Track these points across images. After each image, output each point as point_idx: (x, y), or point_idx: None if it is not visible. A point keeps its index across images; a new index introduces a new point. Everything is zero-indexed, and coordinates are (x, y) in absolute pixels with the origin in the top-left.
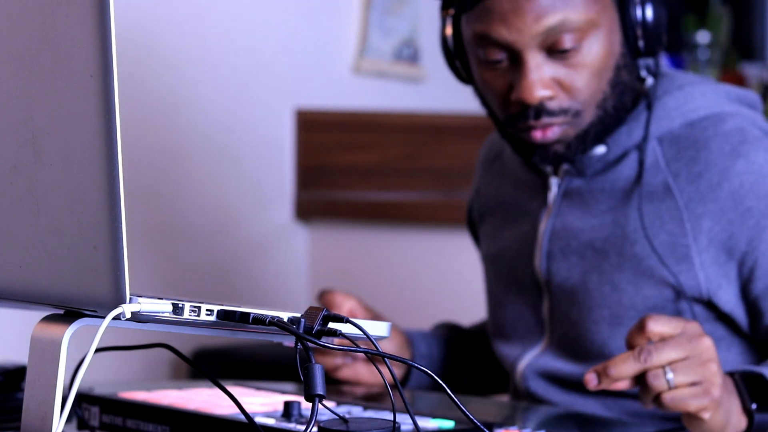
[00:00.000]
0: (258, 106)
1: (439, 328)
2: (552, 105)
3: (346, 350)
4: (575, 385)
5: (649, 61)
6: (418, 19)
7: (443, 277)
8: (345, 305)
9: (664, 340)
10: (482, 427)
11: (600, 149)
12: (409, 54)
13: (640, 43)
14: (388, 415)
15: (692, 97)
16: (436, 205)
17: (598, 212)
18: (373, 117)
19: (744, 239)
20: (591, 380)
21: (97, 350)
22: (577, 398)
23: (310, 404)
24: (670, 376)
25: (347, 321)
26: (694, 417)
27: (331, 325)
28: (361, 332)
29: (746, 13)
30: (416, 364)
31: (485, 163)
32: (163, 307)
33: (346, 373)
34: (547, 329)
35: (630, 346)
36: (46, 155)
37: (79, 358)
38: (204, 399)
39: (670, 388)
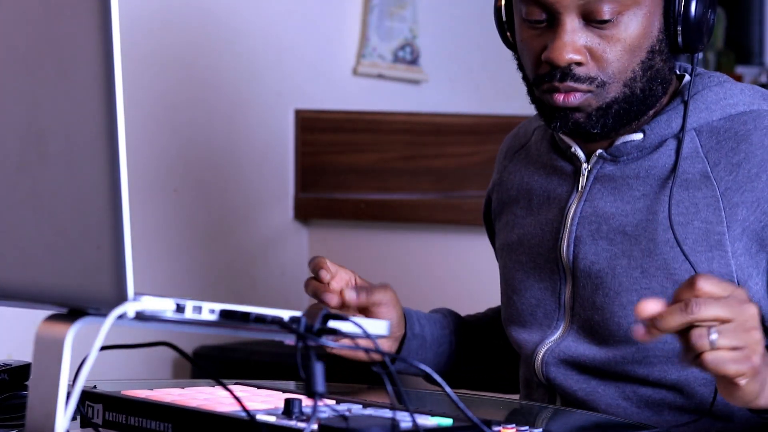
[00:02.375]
0: (259, 108)
1: (436, 311)
2: (579, 71)
3: (345, 349)
4: (596, 371)
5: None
6: (417, 21)
7: (443, 276)
8: (342, 274)
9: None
10: (481, 424)
11: (637, 136)
12: (408, 56)
13: (679, 38)
14: (387, 413)
15: (731, 93)
16: (436, 206)
17: (631, 198)
18: (372, 118)
19: None
20: (639, 330)
21: (101, 348)
22: (596, 386)
23: (310, 402)
24: (713, 336)
25: (347, 319)
26: (730, 382)
27: (332, 323)
28: (361, 331)
29: (741, 17)
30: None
31: (508, 154)
32: (166, 306)
33: (343, 349)
34: (568, 314)
35: (677, 301)
36: (50, 155)
37: (82, 357)
38: (206, 397)
39: (712, 349)
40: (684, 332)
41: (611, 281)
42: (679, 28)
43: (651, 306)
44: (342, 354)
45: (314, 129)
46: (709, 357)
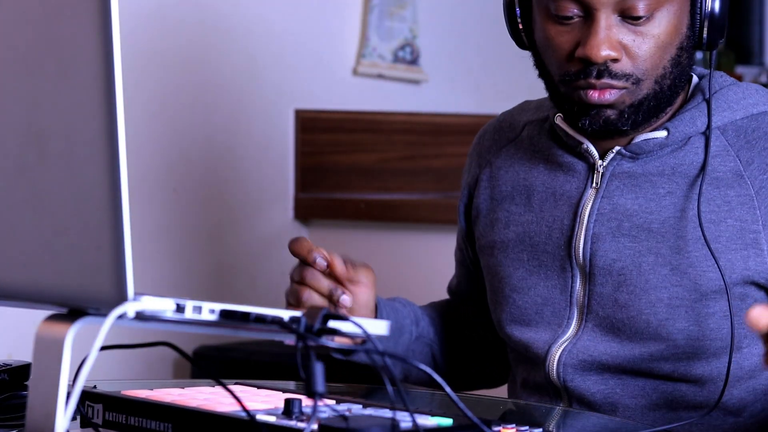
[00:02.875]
0: (259, 108)
1: (394, 301)
2: (616, 67)
3: (346, 348)
4: (617, 370)
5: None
6: (417, 21)
7: (443, 277)
8: (321, 252)
9: None
10: (481, 425)
11: (660, 133)
12: (408, 56)
13: (705, 34)
14: (387, 413)
15: (750, 92)
16: (436, 206)
17: (655, 195)
18: (372, 118)
19: None
20: (756, 317)
21: (101, 348)
22: (615, 386)
23: (310, 402)
24: None
25: (348, 319)
26: None
27: (332, 323)
28: (361, 330)
29: (741, 17)
30: (417, 363)
31: (492, 149)
32: (166, 306)
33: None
34: (579, 312)
35: None
36: (50, 156)
37: (82, 357)
38: (206, 397)
39: None
40: None
41: (637, 278)
42: (705, 25)
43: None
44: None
45: (314, 129)
46: None
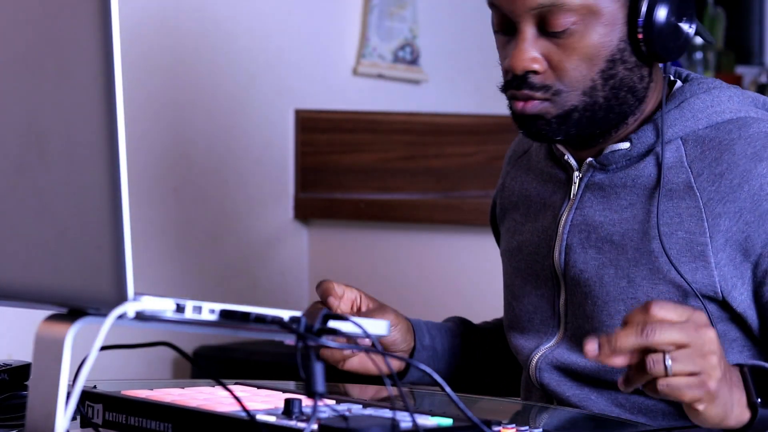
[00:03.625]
0: (259, 108)
1: (448, 320)
2: (535, 79)
3: (345, 348)
4: (588, 379)
5: (671, 66)
6: (417, 21)
7: (443, 277)
8: (347, 294)
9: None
10: (481, 425)
11: (624, 145)
12: (408, 56)
13: (642, 46)
14: (387, 413)
15: (719, 100)
16: (436, 206)
17: (619, 207)
18: (372, 118)
19: (760, 241)
20: (591, 349)
21: (101, 348)
22: (589, 393)
23: (310, 402)
24: (669, 362)
25: (348, 320)
26: (690, 407)
27: (332, 323)
28: (361, 331)
29: (741, 17)
30: (416, 358)
31: (512, 159)
32: (166, 306)
33: (353, 364)
34: (562, 322)
35: (629, 324)
36: (50, 156)
37: (82, 357)
38: (206, 397)
39: (666, 375)
40: (636, 356)
41: (599, 290)
42: (640, 37)
43: (593, 347)
44: (352, 369)
45: (314, 129)
46: (664, 383)
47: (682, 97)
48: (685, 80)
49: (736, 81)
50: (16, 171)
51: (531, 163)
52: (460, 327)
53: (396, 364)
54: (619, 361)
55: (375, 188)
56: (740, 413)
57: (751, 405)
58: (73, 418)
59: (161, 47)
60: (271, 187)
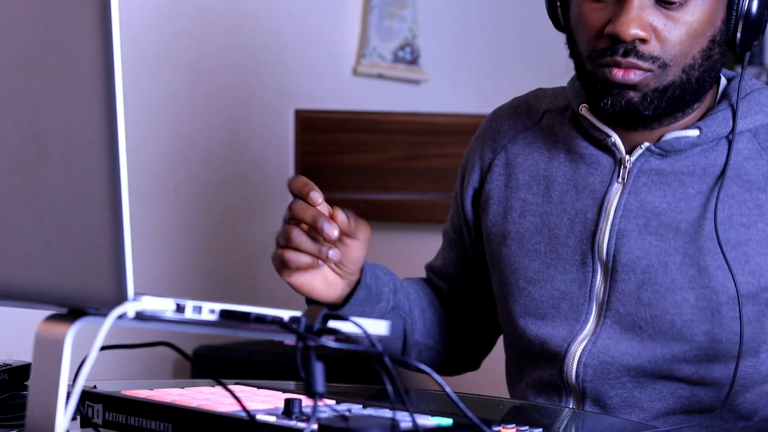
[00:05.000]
0: (259, 108)
1: (378, 266)
2: (643, 48)
3: (345, 348)
4: (636, 371)
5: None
6: (417, 21)
7: None
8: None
9: None
10: (481, 425)
11: (692, 132)
12: (408, 56)
13: (739, 33)
14: (387, 413)
15: None
16: (436, 206)
17: (685, 195)
18: (372, 118)
19: None
20: None
21: (101, 348)
22: (633, 389)
23: (310, 402)
24: None
25: (348, 319)
26: None
27: (332, 323)
28: (361, 330)
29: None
30: (417, 362)
31: (508, 134)
32: (166, 306)
33: (299, 279)
34: (599, 308)
35: None
36: (50, 156)
37: (82, 357)
38: (205, 397)
39: None
40: None
41: (663, 277)
42: (740, 24)
43: None
44: (295, 284)
45: (314, 129)
46: None
47: (743, 92)
48: (729, 78)
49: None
50: (16, 171)
51: (547, 141)
52: (391, 275)
53: (337, 291)
54: None
55: (375, 188)
56: None
57: None
58: (73, 418)
59: (161, 47)
60: (271, 187)
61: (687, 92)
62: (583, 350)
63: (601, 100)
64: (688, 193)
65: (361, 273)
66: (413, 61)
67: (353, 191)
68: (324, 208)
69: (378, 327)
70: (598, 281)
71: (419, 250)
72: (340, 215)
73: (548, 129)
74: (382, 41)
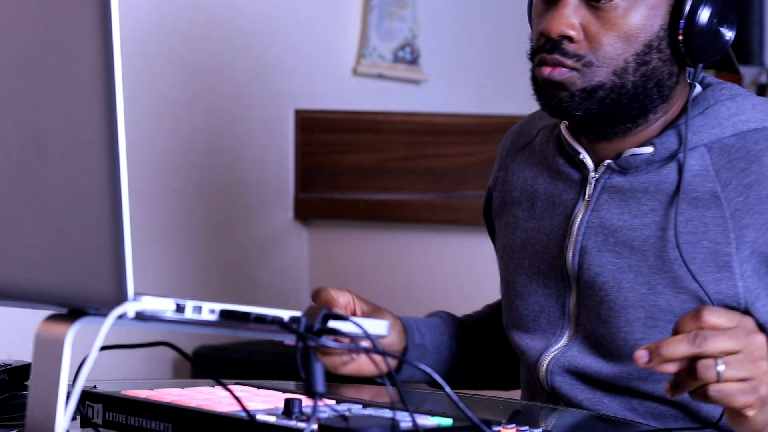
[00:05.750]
0: (259, 108)
1: (433, 315)
2: (569, 46)
3: (345, 348)
4: (601, 383)
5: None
6: (417, 21)
7: (443, 276)
8: (340, 299)
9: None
10: (481, 425)
11: (647, 149)
12: (408, 56)
13: (681, 44)
14: (387, 413)
15: (744, 108)
16: (436, 206)
17: (639, 212)
18: (372, 118)
19: None
20: (641, 356)
21: (101, 348)
22: (602, 396)
23: (310, 402)
24: (720, 368)
25: (348, 320)
26: (737, 413)
27: (332, 323)
28: (361, 330)
29: (741, 17)
30: (408, 357)
31: (510, 152)
32: (166, 306)
33: (350, 368)
34: (572, 322)
35: (681, 332)
36: (50, 156)
37: (82, 357)
38: (205, 397)
39: (718, 381)
40: (689, 364)
41: (617, 295)
42: (680, 38)
43: (643, 353)
44: (349, 373)
45: (314, 129)
46: (715, 389)
47: (705, 104)
48: (705, 86)
49: (736, 81)
50: (16, 171)
51: (536, 158)
52: (447, 322)
53: (392, 364)
54: (670, 368)
55: (375, 188)
56: None
57: None
58: (73, 418)
59: (161, 47)
60: (271, 187)
61: (622, 97)
62: (551, 359)
63: (539, 100)
64: (642, 210)
65: (407, 337)
66: (413, 61)
67: (353, 191)
68: (340, 301)
69: (378, 327)
70: (572, 297)
71: (419, 250)
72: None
73: (539, 146)
74: (382, 41)
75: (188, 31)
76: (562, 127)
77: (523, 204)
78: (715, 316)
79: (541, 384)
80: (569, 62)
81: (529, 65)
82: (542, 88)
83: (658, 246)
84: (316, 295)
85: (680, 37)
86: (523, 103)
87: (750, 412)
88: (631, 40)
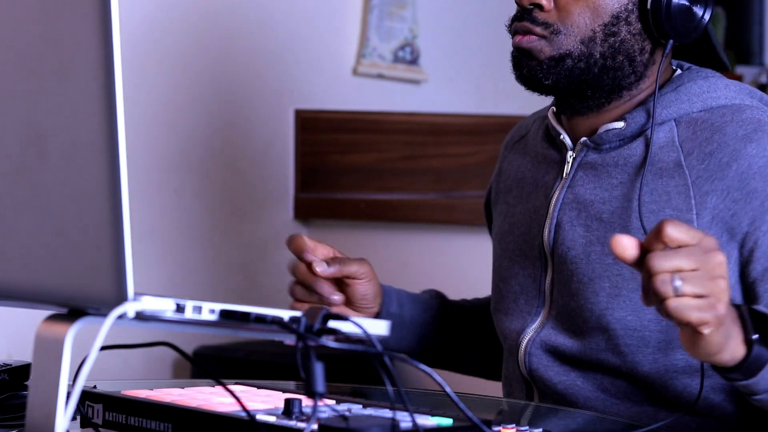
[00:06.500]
0: (259, 108)
1: (425, 292)
2: (539, 15)
3: (345, 348)
4: (574, 361)
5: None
6: (417, 21)
7: (442, 276)
8: (320, 250)
9: (679, 247)
10: (481, 425)
11: (618, 124)
12: (408, 56)
13: (649, 18)
14: (387, 413)
15: (716, 87)
16: (435, 206)
17: (609, 186)
18: (372, 118)
19: (746, 219)
20: (616, 242)
21: (101, 348)
22: (576, 378)
23: (310, 402)
24: (678, 283)
25: (348, 320)
26: (693, 331)
27: (332, 323)
28: (361, 330)
29: (741, 17)
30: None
31: (509, 145)
32: (166, 306)
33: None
34: (547, 301)
35: (647, 250)
36: (50, 156)
37: (82, 357)
38: (205, 397)
39: (676, 296)
40: (647, 277)
41: (585, 267)
42: (648, 7)
43: (625, 243)
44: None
45: (314, 129)
46: (673, 303)
47: (679, 82)
48: (660, 64)
49: (736, 80)
50: (16, 171)
51: (528, 147)
52: (435, 299)
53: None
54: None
55: (375, 188)
56: (735, 348)
57: (747, 342)
58: (73, 418)
59: (161, 47)
60: (271, 187)
61: (591, 68)
62: (528, 340)
63: (514, 71)
64: (612, 183)
65: (383, 303)
66: (413, 61)
67: (353, 191)
68: (320, 251)
69: (378, 327)
70: (547, 275)
71: (419, 250)
72: (319, 268)
73: (532, 135)
74: (382, 41)
75: (188, 31)
76: (549, 113)
77: (513, 191)
78: (676, 231)
79: (520, 370)
80: (538, 29)
81: None
82: (515, 58)
83: (623, 217)
84: (291, 241)
85: (649, 17)
86: (524, 103)
87: (706, 330)
88: (599, 11)
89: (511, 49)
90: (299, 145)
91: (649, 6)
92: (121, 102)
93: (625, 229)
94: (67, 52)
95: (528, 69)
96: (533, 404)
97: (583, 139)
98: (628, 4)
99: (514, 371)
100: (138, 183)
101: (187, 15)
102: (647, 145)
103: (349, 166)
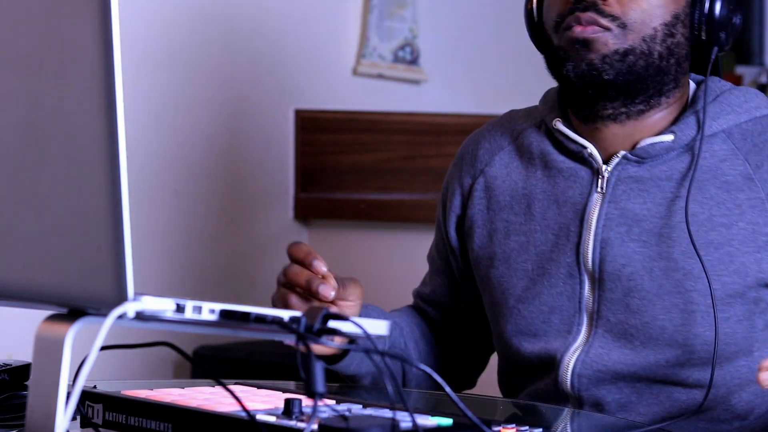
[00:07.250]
0: (259, 108)
1: (400, 311)
2: (604, 7)
3: (345, 348)
4: (632, 377)
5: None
6: (417, 21)
7: None
8: (323, 268)
9: None
10: (481, 425)
11: (667, 137)
12: (408, 56)
13: (703, 26)
14: (387, 413)
15: (750, 96)
16: (435, 206)
17: (664, 200)
18: (372, 118)
19: None
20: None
21: (101, 348)
22: (630, 393)
23: (310, 402)
24: None
25: (348, 320)
26: None
27: (332, 323)
28: (361, 330)
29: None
30: (417, 363)
31: (483, 158)
32: (166, 306)
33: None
34: (589, 318)
35: None
36: (51, 156)
37: (82, 357)
38: (206, 397)
39: None
40: None
41: (649, 283)
42: (696, 19)
43: None
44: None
45: (314, 129)
46: None
47: (714, 93)
48: (697, 83)
49: (736, 81)
50: (16, 171)
51: (523, 160)
52: (407, 317)
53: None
54: None
55: (375, 188)
56: None
57: None
58: (73, 418)
59: (161, 47)
60: (271, 187)
61: (649, 67)
62: (576, 360)
63: (564, 68)
64: (667, 197)
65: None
66: (413, 61)
67: (353, 191)
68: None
69: (378, 327)
70: (586, 292)
71: (419, 250)
72: (333, 280)
73: (524, 148)
74: (382, 41)
75: (188, 31)
76: (558, 124)
77: (515, 207)
78: None
79: (560, 388)
80: (604, 21)
81: (528, 65)
82: (568, 52)
83: (687, 232)
84: (294, 247)
85: (703, 26)
86: (524, 103)
87: None
88: (662, 9)
89: (559, 45)
90: (299, 145)
91: (705, 10)
92: (121, 102)
93: (690, 245)
94: (67, 52)
95: (588, 62)
96: (536, 404)
97: (623, 153)
98: (684, 8)
99: (547, 387)
100: (138, 183)
101: (187, 15)
102: (707, 158)
103: (349, 166)
